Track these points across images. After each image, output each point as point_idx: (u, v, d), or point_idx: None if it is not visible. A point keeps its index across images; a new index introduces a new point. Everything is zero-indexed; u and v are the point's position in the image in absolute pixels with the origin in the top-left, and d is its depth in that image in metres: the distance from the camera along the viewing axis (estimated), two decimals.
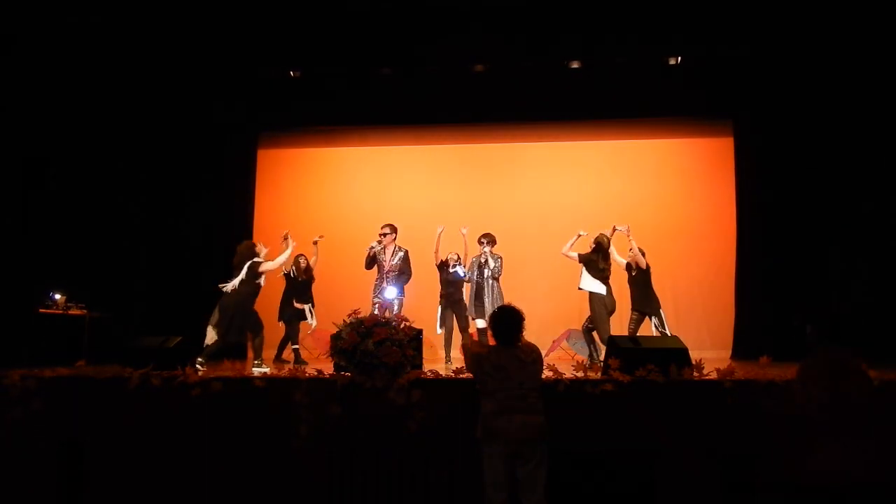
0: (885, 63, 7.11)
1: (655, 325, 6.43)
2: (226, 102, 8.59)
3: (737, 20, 7.18)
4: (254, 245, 6.21)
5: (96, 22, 7.04)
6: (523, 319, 3.68)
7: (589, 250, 6.55)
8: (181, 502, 4.22)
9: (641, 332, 6.40)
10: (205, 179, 8.63)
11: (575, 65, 8.06)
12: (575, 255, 6.55)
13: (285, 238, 6.59)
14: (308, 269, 7.37)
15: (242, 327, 5.95)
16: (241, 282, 5.88)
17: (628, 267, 6.56)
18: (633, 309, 6.58)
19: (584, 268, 6.49)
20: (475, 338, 6.60)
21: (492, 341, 3.73)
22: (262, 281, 6.03)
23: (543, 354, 6.87)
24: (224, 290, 5.89)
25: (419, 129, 9.13)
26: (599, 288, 6.35)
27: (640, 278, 6.49)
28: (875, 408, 2.92)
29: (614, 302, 6.41)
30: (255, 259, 5.99)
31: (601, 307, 6.28)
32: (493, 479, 3.48)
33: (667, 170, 8.69)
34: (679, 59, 7.87)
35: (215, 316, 5.85)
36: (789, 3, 7.05)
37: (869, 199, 7.40)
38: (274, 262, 6.16)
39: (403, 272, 6.72)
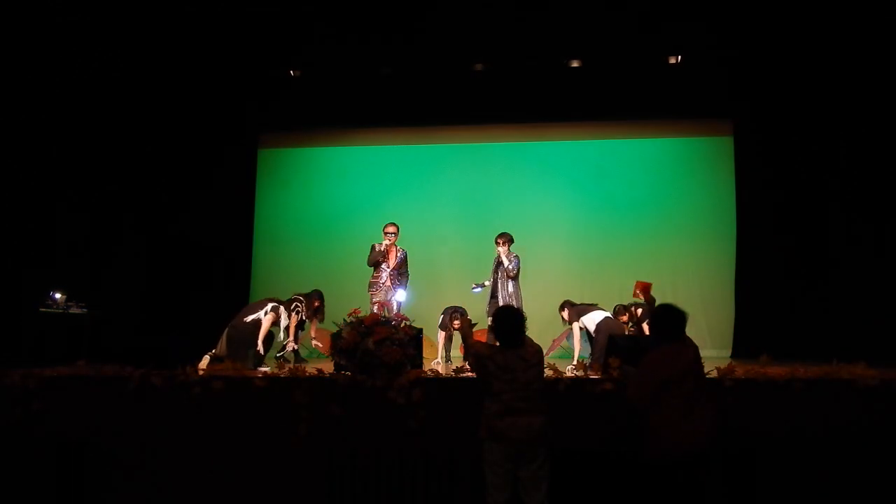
0: (884, 62, 7.10)
1: None
2: (226, 102, 8.60)
3: (737, 19, 7.18)
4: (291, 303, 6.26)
5: (98, 22, 7.04)
6: (525, 320, 3.66)
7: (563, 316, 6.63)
8: (181, 502, 4.22)
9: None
10: (205, 179, 8.63)
11: (575, 64, 8.06)
12: (576, 327, 6.36)
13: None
14: (320, 311, 6.84)
15: (249, 352, 5.73)
16: (256, 319, 5.76)
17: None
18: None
19: (584, 322, 6.35)
20: (482, 338, 6.56)
21: (492, 341, 3.72)
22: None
23: (544, 353, 6.83)
24: (245, 321, 5.72)
25: (419, 129, 9.12)
26: (604, 314, 6.26)
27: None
28: (700, 392, 3.34)
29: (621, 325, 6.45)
30: (279, 312, 5.86)
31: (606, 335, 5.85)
32: (495, 479, 3.47)
33: (667, 169, 8.69)
34: (679, 58, 7.87)
35: (222, 348, 5.58)
36: (790, 2, 7.05)
37: (868, 198, 7.40)
38: (264, 328, 5.77)
39: (403, 273, 6.71)
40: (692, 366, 3.39)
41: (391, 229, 6.65)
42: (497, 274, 6.60)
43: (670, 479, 3.26)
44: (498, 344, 3.63)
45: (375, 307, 6.39)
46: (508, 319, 3.63)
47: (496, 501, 3.47)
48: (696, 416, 3.26)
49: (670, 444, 3.24)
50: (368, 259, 6.65)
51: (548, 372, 4.09)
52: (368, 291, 6.64)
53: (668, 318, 3.51)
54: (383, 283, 6.59)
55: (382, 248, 6.56)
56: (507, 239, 6.66)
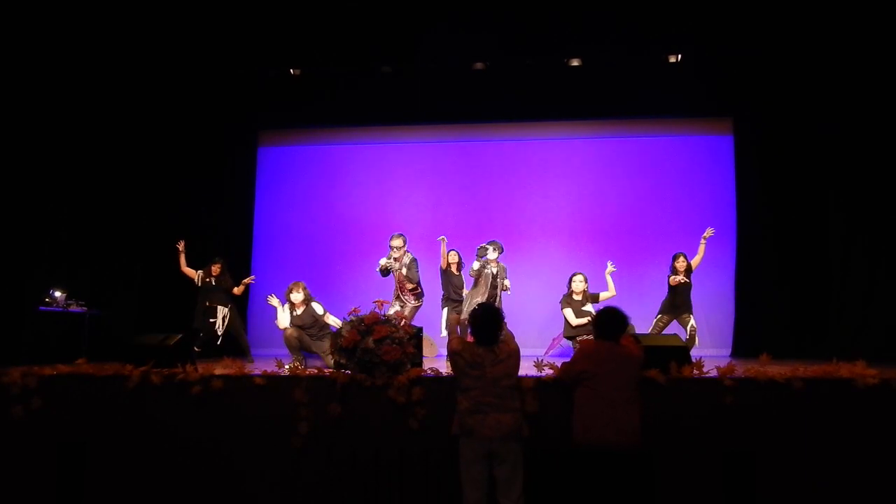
0: (884, 60, 7.11)
1: (693, 325, 6.65)
2: (226, 101, 8.59)
3: (737, 18, 7.17)
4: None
5: (99, 22, 7.03)
6: (503, 318, 3.73)
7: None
8: (181, 501, 4.22)
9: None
10: (205, 178, 8.64)
11: (575, 62, 8.05)
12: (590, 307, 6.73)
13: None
14: (222, 276, 7.08)
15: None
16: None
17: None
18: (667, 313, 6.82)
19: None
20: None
21: (471, 339, 3.74)
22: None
23: (544, 353, 6.89)
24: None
25: (419, 128, 9.11)
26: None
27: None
28: (626, 394, 3.55)
29: None
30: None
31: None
32: (469, 476, 3.51)
33: (667, 168, 8.68)
34: (679, 56, 7.86)
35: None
36: (790, 0, 7.04)
37: (869, 196, 7.40)
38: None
39: (410, 280, 6.74)
40: (618, 368, 3.56)
41: (394, 243, 6.72)
42: (496, 287, 6.68)
43: (586, 469, 3.52)
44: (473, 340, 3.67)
45: (391, 310, 6.43)
46: (485, 316, 3.67)
47: (470, 499, 3.49)
48: (614, 416, 3.46)
49: (582, 435, 3.52)
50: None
51: (547, 371, 4.09)
52: None
53: (608, 319, 3.72)
54: (401, 295, 6.78)
55: (380, 268, 6.72)
56: (498, 247, 6.85)
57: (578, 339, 6.63)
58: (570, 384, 3.74)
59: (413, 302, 6.80)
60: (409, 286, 6.76)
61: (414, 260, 6.83)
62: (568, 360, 3.88)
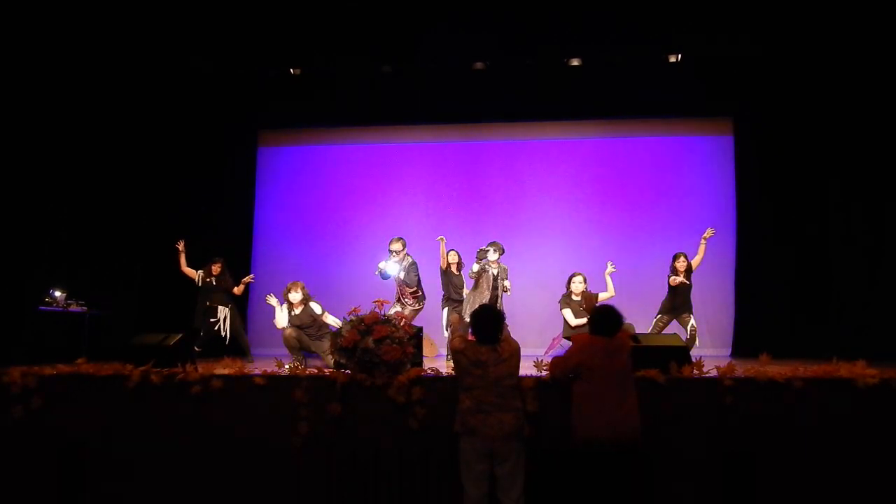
0: (884, 60, 7.11)
1: (693, 325, 6.63)
2: (226, 101, 8.59)
3: (737, 17, 7.17)
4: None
5: (97, 22, 7.03)
6: (503, 318, 3.78)
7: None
8: (181, 501, 4.22)
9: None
10: (205, 178, 8.63)
11: (575, 62, 8.04)
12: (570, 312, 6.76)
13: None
14: (222, 276, 7.07)
15: None
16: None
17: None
18: (666, 313, 6.78)
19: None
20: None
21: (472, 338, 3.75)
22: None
23: (544, 353, 6.89)
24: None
25: (419, 128, 9.10)
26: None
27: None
28: (624, 382, 3.60)
29: None
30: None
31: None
32: (470, 474, 3.53)
33: (667, 168, 8.68)
34: (679, 56, 7.86)
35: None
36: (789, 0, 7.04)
37: (868, 196, 7.40)
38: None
39: (409, 284, 6.73)
40: (612, 362, 3.59)
41: (393, 247, 6.72)
42: (496, 288, 6.69)
43: (585, 468, 3.55)
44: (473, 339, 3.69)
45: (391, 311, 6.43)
46: (486, 316, 3.70)
47: (472, 497, 3.51)
48: (612, 413, 3.49)
49: (580, 433, 3.54)
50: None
51: (547, 371, 4.09)
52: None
53: (602, 317, 3.77)
54: (402, 299, 6.77)
55: (378, 271, 6.71)
56: (499, 248, 6.82)
57: None
58: (564, 380, 3.75)
59: (414, 305, 6.80)
60: (409, 290, 6.76)
61: (413, 264, 6.82)
62: (558, 355, 3.90)
